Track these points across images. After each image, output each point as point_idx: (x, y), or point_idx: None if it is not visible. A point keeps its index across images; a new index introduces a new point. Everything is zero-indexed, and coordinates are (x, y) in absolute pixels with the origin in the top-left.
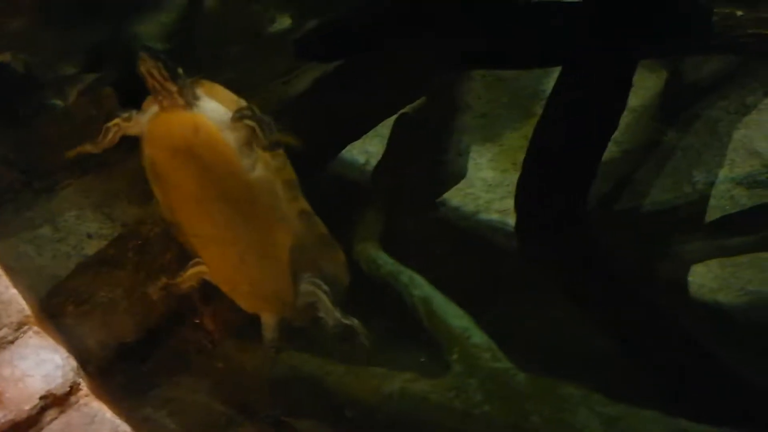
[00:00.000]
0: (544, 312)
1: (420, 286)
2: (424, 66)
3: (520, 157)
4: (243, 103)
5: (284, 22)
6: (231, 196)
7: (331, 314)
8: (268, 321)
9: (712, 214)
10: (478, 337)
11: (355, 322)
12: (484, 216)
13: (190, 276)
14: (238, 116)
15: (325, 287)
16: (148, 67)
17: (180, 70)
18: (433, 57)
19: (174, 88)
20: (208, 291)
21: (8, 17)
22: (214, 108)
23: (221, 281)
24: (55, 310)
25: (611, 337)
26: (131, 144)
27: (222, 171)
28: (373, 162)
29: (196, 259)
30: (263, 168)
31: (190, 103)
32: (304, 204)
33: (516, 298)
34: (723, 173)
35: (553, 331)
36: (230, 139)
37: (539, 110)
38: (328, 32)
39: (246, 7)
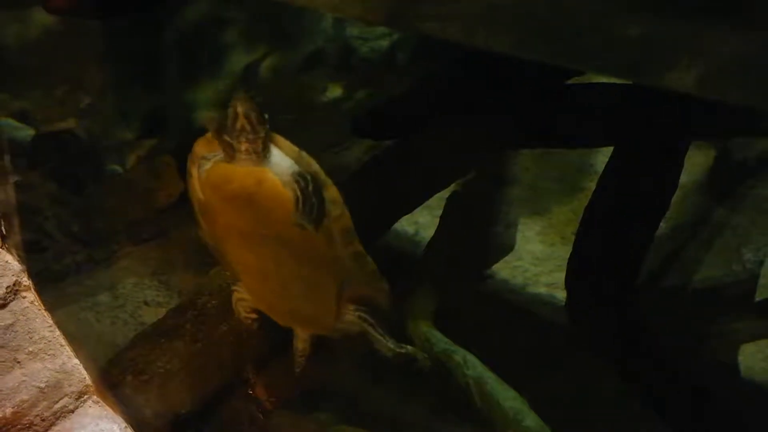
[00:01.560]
0: (593, 390)
1: (474, 366)
2: (476, 144)
3: (568, 230)
4: (306, 157)
5: (335, 91)
6: (284, 239)
7: (383, 345)
8: (302, 334)
9: (761, 293)
10: (531, 420)
11: (410, 348)
12: (532, 289)
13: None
14: (294, 178)
15: (372, 320)
16: (245, 107)
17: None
18: (485, 137)
19: (262, 133)
20: (260, 363)
21: (73, 87)
22: (280, 161)
23: (259, 302)
24: (114, 379)
25: (661, 418)
26: (188, 212)
27: (279, 219)
28: (423, 233)
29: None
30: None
31: (264, 151)
32: (358, 246)
33: (564, 374)
34: None
35: (602, 410)
36: (292, 193)
37: (587, 184)
38: (384, 113)
39: (298, 76)
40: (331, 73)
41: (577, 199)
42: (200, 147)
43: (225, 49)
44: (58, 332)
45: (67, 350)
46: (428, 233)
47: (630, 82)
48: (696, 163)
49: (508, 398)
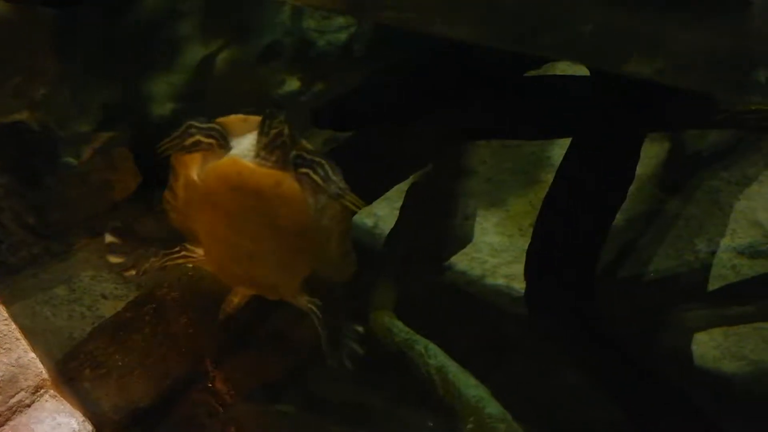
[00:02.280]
0: (551, 378)
1: (435, 356)
2: (434, 137)
3: (526, 222)
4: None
5: (292, 84)
6: (282, 232)
7: (323, 340)
8: (245, 293)
9: (714, 283)
10: (493, 407)
11: (345, 353)
12: (490, 280)
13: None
14: (297, 163)
15: (320, 315)
16: (282, 125)
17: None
18: (443, 129)
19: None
20: (220, 355)
21: (27, 77)
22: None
23: (215, 265)
24: (72, 373)
25: (617, 406)
26: (146, 205)
27: (286, 218)
28: (382, 225)
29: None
30: (327, 219)
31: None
32: (348, 246)
33: (523, 363)
34: (724, 243)
35: (561, 398)
36: (311, 200)
37: (544, 176)
38: (345, 105)
39: (255, 69)
40: (288, 65)
41: (533, 191)
42: (234, 125)
43: (181, 41)
44: (13, 326)
45: (23, 344)
46: (387, 225)
47: (587, 75)
48: (650, 155)
49: (470, 386)
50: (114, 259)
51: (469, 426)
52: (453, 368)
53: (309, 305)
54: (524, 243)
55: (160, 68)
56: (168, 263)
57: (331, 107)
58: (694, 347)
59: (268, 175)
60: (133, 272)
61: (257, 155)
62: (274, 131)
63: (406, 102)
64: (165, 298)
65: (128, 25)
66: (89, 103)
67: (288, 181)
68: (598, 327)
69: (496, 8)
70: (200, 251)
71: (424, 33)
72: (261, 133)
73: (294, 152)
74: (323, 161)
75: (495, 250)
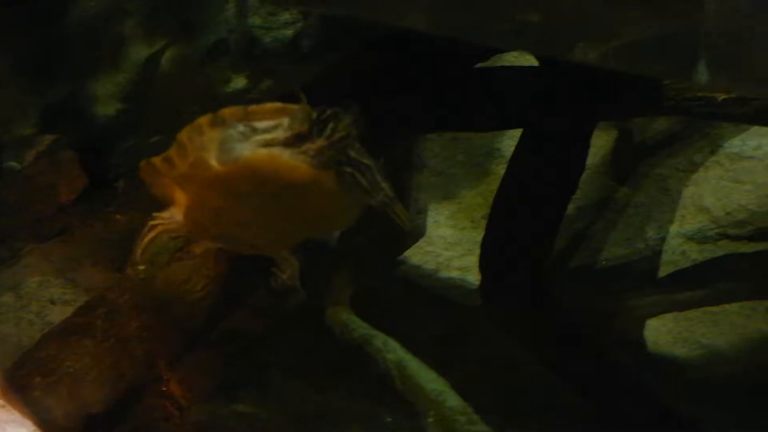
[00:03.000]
0: (509, 368)
1: (394, 350)
2: (384, 130)
3: (478, 214)
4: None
5: (239, 82)
6: (304, 218)
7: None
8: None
9: (664, 270)
10: (453, 400)
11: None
12: (444, 274)
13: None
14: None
15: (295, 268)
16: (350, 129)
17: None
18: (393, 122)
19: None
20: (174, 358)
21: None
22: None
23: (193, 227)
24: (21, 382)
25: (574, 393)
26: (94, 208)
27: (315, 211)
28: None
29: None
30: (356, 208)
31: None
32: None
33: (481, 354)
34: (674, 229)
35: (519, 387)
36: (346, 198)
37: (494, 168)
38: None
39: (201, 67)
40: (234, 63)
41: (485, 183)
42: (262, 114)
43: (125, 40)
44: None
45: None
46: None
47: (537, 65)
48: (599, 144)
49: (430, 380)
50: None
51: (430, 420)
52: (412, 362)
53: (288, 259)
54: (477, 235)
55: (104, 68)
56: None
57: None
58: (646, 333)
59: (307, 174)
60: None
61: (299, 149)
62: (338, 135)
63: (356, 97)
64: (116, 302)
65: (71, 24)
66: (32, 105)
67: (328, 181)
68: (553, 316)
69: None
70: (175, 217)
71: (373, 26)
72: (315, 130)
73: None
74: (372, 165)
75: (448, 243)
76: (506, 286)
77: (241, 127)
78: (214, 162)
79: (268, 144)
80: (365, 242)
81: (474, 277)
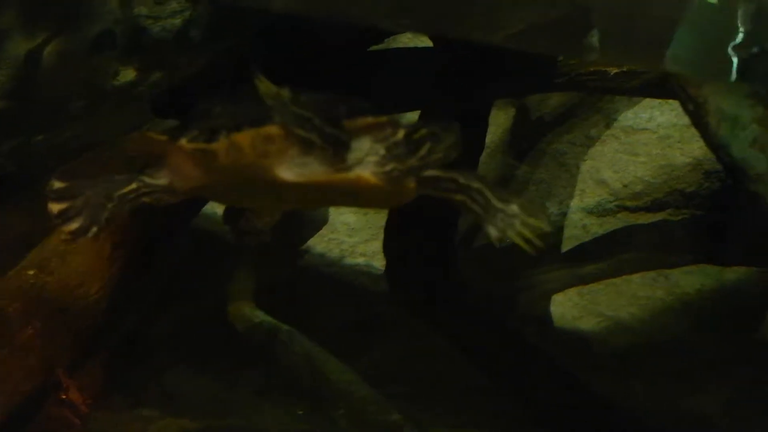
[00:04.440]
0: (420, 352)
1: (300, 343)
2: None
3: None
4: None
5: (128, 74)
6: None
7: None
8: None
9: (567, 244)
10: (363, 390)
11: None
12: (349, 260)
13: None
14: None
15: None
16: (450, 152)
17: None
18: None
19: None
20: (72, 365)
21: None
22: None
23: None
24: None
25: (485, 372)
26: None
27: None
28: None
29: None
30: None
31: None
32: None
33: (391, 340)
34: (574, 204)
35: (431, 370)
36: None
37: None
38: (185, 90)
39: (86, 61)
40: (122, 55)
41: None
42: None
43: (2, 34)
44: None
45: None
46: None
47: (431, 46)
48: (498, 122)
49: (338, 371)
50: (56, 207)
51: (340, 411)
52: (319, 354)
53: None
54: (380, 220)
55: None
56: (127, 203)
57: (170, 93)
58: (552, 308)
59: (392, 194)
60: (80, 224)
61: (382, 168)
62: (435, 156)
63: (249, 83)
64: (6, 310)
65: None
66: None
67: (408, 196)
68: (461, 296)
69: None
70: (162, 181)
71: (264, 12)
72: (405, 150)
73: (439, 173)
74: (482, 188)
75: (352, 229)
76: (412, 269)
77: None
78: (282, 173)
79: (349, 163)
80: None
81: (380, 263)
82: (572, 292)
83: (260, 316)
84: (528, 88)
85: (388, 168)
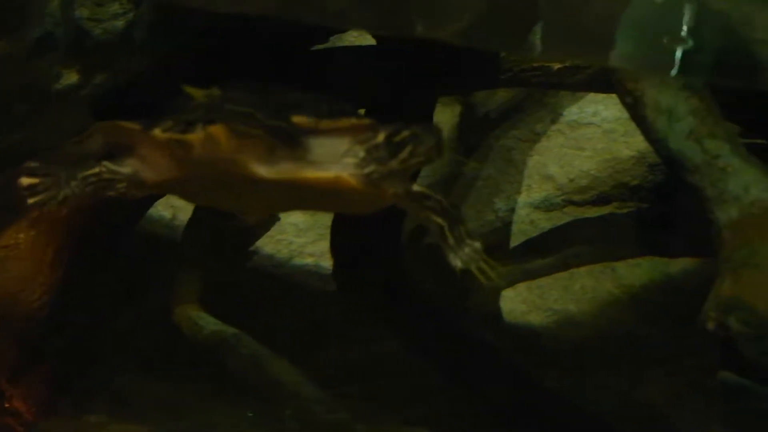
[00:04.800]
0: (370, 350)
1: (247, 345)
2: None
3: None
4: None
5: (71, 77)
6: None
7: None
8: None
9: (515, 240)
10: (310, 390)
11: None
12: (298, 261)
13: None
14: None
15: None
16: (431, 155)
17: None
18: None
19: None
20: (14, 373)
21: None
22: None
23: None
24: None
25: (436, 369)
26: None
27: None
28: (181, 216)
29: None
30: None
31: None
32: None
33: (341, 339)
34: (522, 199)
35: (381, 368)
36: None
37: None
38: (126, 93)
39: (26, 65)
40: (64, 58)
41: None
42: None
43: None
44: None
45: None
46: (186, 216)
47: (374, 44)
48: (444, 120)
49: (286, 372)
50: (26, 181)
51: (288, 411)
52: (266, 355)
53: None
54: (328, 220)
55: None
56: (89, 185)
57: (112, 97)
58: (502, 303)
59: (370, 198)
60: (44, 197)
61: (362, 170)
62: (416, 160)
63: (192, 84)
64: None
65: None
66: None
67: (386, 201)
68: (409, 295)
69: None
70: (125, 170)
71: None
72: (386, 152)
73: (430, 193)
74: (461, 219)
75: (300, 229)
76: (359, 268)
77: (302, 141)
78: (257, 168)
79: (327, 163)
80: (212, 236)
81: (328, 263)
82: (521, 288)
83: (205, 318)
84: (472, 84)
85: (367, 170)
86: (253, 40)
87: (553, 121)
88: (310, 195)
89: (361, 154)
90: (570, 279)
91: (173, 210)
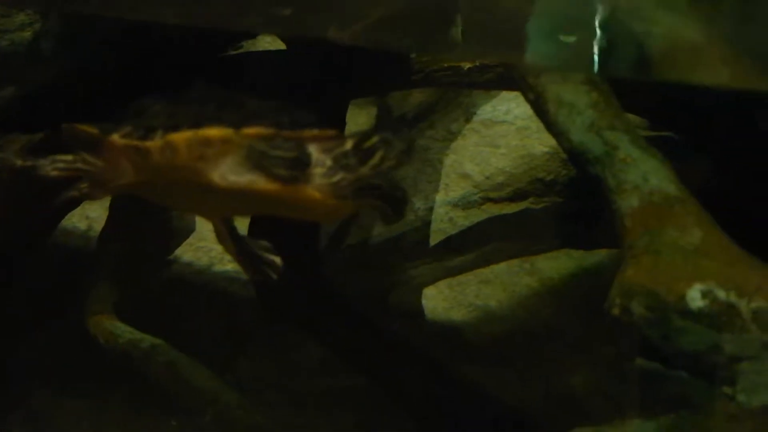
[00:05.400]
0: (293, 355)
1: (163, 352)
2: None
3: None
4: None
5: None
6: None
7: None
8: None
9: (434, 238)
10: (229, 396)
11: None
12: (219, 268)
13: None
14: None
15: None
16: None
17: None
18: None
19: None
20: None
21: None
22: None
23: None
24: None
25: (358, 371)
26: None
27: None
28: (96, 227)
29: None
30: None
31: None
32: None
33: (264, 345)
34: (440, 198)
35: (305, 373)
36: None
37: None
38: (33, 104)
39: None
40: None
41: None
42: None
43: None
44: None
45: None
46: (101, 227)
47: (284, 48)
48: (360, 122)
49: (203, 378)
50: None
51: (207, 418)
52: (184, 363)
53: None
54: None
55: None
56: (58, 168)
57: (19, 108)
58: (424, 302)
59: (333, 208)
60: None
61: (328, 180)
62: (388, 164)
63: (101, 95)
64: None
65: None
66: None
67: (346, 210)
68: (326, 297)
69: None
70: (100, 163)
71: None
72: (354, 160)
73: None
74: (405, 197)
75: None
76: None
77: (263, 151)
78: (216, 178)
79: (292, 173)
80: (127, 246)
81: None
82: (442, 285)
83: (120, 328)
84: (385, 86)
85: (335, 179)
86: (163, 49)
87: (468, 120)
88: (273, 203)
89: (328, 163)
90: (490, 274)
91: (88, 221)
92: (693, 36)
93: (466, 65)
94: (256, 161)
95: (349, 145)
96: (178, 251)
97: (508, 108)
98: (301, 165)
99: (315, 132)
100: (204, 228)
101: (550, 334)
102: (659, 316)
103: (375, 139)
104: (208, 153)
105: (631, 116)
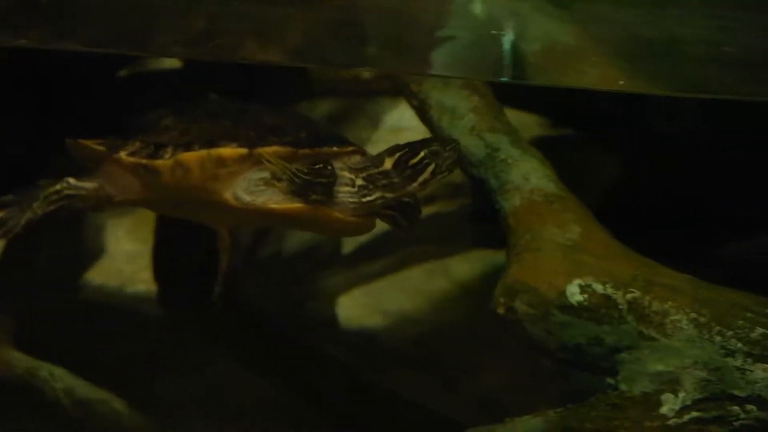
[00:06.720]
0: (206, 373)
1: (62, 378)
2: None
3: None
4: None
5: None
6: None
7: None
8: None
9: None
10: (134, 417)
11: None
12: (130, 289)
13: None
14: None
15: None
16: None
17: None
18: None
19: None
20: None
21: None
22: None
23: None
24: None
25: (274, 382)
26: None
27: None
28: None
29: None
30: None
31: None
32: None
33: (176, 364)
34: None
35: (220, 388)
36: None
37: None
38: None
39: None
40: None
41: None
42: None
43: None
44: None
45: None
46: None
47: (183, 65)
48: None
49: (103, 401)
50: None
51: None
52: (82, 387)
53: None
54: None
55: None
56: (51, 204)
57: None
58: (339, 310)
59: (358, 226)
60: (9, 226)
61: (360, 198)
62: (440, 175)
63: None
64: None
65: None
66: None
67: (372, 226)
68: (236, 311)
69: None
70: (90, 185)
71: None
72: (401, 176)
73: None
74: (416, 205)
75: (131, 257)
76: (182, 291)
77: (281, 172)
78: (229, 197)
79: (312, 194)
80: (29, 271)
81: None
82: (357, 293)
83: (18, 356)
84: (285, 97)
85: (367, 199)
86: (58, 69)
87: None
88: (293, 220)
89: (359, 182)
90: (403, 279)
91: None
92: (566, 39)
93: (365, 75)
94: (280, 183)
95: (388, 164)
96: (89, 274)
97: (413, 115)
98: (327, 187)
99: (335, 149)
100: (114, 250)
101: (466, 334)
102: (541, 312)
103: (423, 153)
104: (221, 173)
105: (533, 116)
